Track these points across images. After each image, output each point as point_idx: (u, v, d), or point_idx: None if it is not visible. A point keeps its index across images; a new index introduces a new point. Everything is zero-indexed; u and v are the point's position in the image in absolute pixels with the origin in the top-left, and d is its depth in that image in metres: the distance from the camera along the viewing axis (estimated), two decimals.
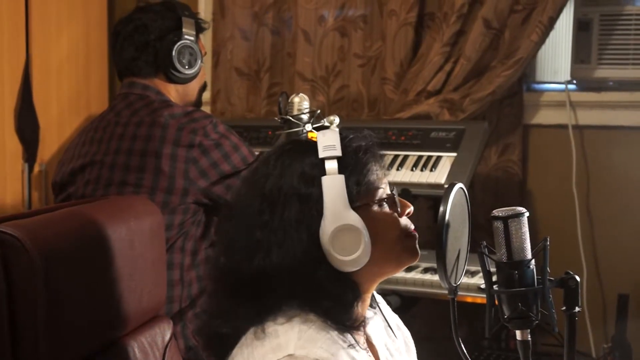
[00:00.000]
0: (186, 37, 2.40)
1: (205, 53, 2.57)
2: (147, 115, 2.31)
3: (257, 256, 1.31)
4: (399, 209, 1.39)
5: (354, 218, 1.31)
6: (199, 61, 2.44)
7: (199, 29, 2.49)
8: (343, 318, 1.32)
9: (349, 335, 1.32)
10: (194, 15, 2.49)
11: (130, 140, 2.29)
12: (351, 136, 1.39)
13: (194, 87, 2.50)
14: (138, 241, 1.64)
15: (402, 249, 1.38)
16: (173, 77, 2.42)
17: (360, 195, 1.35)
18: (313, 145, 1.36)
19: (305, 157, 1.35)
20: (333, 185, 1.31)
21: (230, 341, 1.34)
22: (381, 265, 1.37)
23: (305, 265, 1.30)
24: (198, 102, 2.54)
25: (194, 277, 2.32)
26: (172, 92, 2.44)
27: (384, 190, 1.39)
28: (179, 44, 2.39)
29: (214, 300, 1.39)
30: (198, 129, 2.28)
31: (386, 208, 1.38)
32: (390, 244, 1.36)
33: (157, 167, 2.24)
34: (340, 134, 1.38)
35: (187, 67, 2.41)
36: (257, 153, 2.40)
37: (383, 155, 1.42)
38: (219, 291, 1.38)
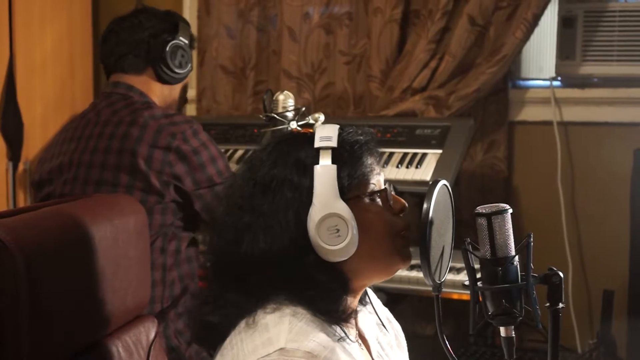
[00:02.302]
0: (180, 38, 2.41)
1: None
2: (127, 115, 2.30)
3: (245, 240, 1.32)
4: (391, 204, 1.38)
5: (342, 208, 1.31)
6: (190, 65, 2.44)
7: (192, 42, 2.50)
8: (330, 309, 1.32)
9: (338, 328, 1.32)
10: (191, 32, 2.51)
11: (107, 139, 2.28)
12: (350, 130, 1.40)
13: (177, 91, 2.49)
14: (122, 240, 1.63)
15: (392, 249, 1.37)
16: (162, 75, 2.41)
17: (351, 187, 1.34)
18: (311, 137, 1.36)
19: (301, 147, 1.36)
20: (325, 174, 1.31)
21: (220, 331, 1.33)
22: (370, 262, 1.36)
23: (291, 252, 1.30)
24: (179, 108, 2.53)
25: (176, 277, 2.31)
26: (157, 92, 2.42)
27: (376, 185, 1.38)
28: (173, 42, 2.39)
29: (205, 285, 1.39)
30: (177, 132, 2.26)
31: (378, 203, 1.37)
32: (379, 241, 1.35)
33: (133, 165, 2.23)
34: (342, 128, 1.39)
35: (177, 67, 2.41)
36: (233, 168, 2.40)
37: (380, 152, 1.42)
38: (209, 276, 1.38)
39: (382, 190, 1.39)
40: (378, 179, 1.39)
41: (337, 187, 1.31)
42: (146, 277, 1.76)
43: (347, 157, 1.35)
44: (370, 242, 1.34)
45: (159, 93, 2.44)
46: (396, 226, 1.38)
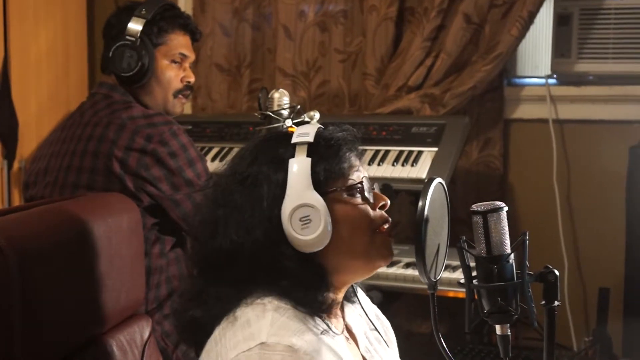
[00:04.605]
0: (127, 37, 2.32)
1: (184, 55, 2.44)
2: (106, 115, 2.27)
3: (219, 233, 1.33)
4: (371, 201, 1.38)
5: (313, 198, 1.32)
6: (141, 63, 2.31)
7: (162, 28, 2.38)
8: (309, 299, 1.32)
9: (321, 321, 1.32)
10: (166, 15, 2.39)
11: (85, 141, 2.25)
12: (330, 127, 1.41)
13: (151, 89, 2.38)
14: (115, 238, 1.62)
15: (370, 245, 1.37)
16: (119, 79, 2.34)
17: (328, 181, 1.35)
18: (290, 135, 1.38)
19: (280, 144, 1.38)
20: (298, 166, 1.33)
21: (205, 327, 1.34)
22: (349, 257, 1.36)
23: (265, 244, 1.31)
24: (166, 106, 2.42)
25: (162, 279, 2.29)
26: (134, 92, 2.37)
27: (354, 180, 1.38)
28: (116, 44, 2.32)
29: (188, 282, 1.40)
30: (154, 135, 2.21)
31: (358, 199, 1.37)
32: (357, 235, 1.35)
33: (108, 168, 2.19)
34: (323, 126, 1.40)
35: (125, 68, 2.31)
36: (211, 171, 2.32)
37: (359, 148, 1.42)
38: (192, 272, 1.40)
39: (359, 183, 1.38)
40: (358, 175, 1.39)
41: (310, 179, 1.32)
42: (140, 275, 1.75)
43: (323, 151, 1.36)
44: (349, 237, 1.34)
45: (133, 93, 2.37)
46: (375, 221, 1.37)
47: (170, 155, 2.22)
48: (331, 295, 1.37)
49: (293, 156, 1.34)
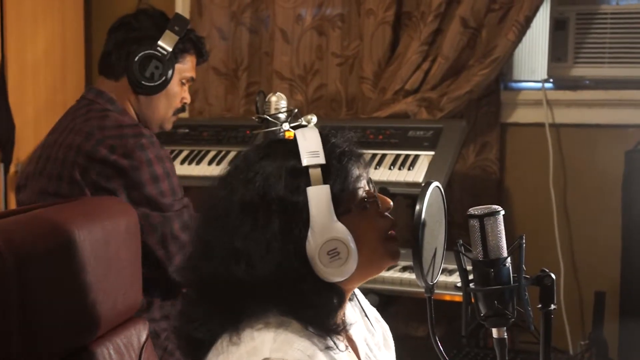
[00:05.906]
0: (158, 49, 2.30)
1: (192, 78, 2.44)
2: (80, 123, 2.24)
3: (238, 266, 1.28)
4: (379, 206, 1.37)
5: (340, 229, 1.29)
6: (165, 77, 2.31)
7: (185, 49, 2.38)
8: (326, 324, 1.30)
9: (328, 338, 1.31)
10: (190, 37, 2.39)
11: (58, 148, 2.23)
12: (333, 140, 1.37)
13: (158, 103, 2.36)
14: (113, 242, 1.62)
15: (384, 252, 1.37)
16: (133, 85, 2.31)
17: (342, 201, 1.33)
18: (294, 147, 1.33)
19: (287, 162, 1.32)
20: (319, 196, 1.29)
21: (206, 345, 1.32)
22: (365, 268, 1.35)
23: (290, 276, 1.28)
24: (164, 121, 2.41)
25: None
26: (133, 101, 2.34)
27: (363, 190, 1.37)
28: (145, 52, 2.29)
29: (191, 304, 1.36)
30: (117, 146, 2.16)
31: (367, 208, 1.36)
32: (372, 248, 1.35)
33: (72, 176, 2.16)
34: (321, 133, 1.36)
35: (148, 78, 2.30)
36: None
37: (363, 155, 1.40)
38: (195, 295, 1.36)
39: (371, 196, 1.37)
40: (364, 183, 1.38)
41: (332, 209, 1.29)
42: (137, 279, 1.75)
43: (336, 172, 1.33)
44: (364, 250, 1.33)
45: (135, 103, 2.35)
46: (384, 228, 1.38)
47: (132, 168, 2.16)
48: (342, 310, 1.36)
49: (308, 180, 1.30)
